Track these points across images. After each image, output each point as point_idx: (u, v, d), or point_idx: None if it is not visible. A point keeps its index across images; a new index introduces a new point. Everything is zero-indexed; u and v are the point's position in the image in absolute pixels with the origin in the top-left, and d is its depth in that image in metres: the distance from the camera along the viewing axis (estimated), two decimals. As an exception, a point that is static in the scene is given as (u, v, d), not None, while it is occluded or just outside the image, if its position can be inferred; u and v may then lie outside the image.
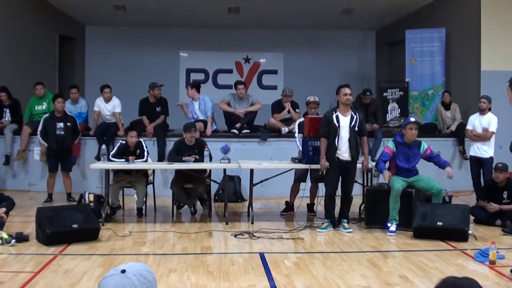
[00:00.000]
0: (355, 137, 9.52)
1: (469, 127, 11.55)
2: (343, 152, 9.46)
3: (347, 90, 9.58)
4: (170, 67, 19.12)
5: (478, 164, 11.30)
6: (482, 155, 11.19)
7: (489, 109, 11.34)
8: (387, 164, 9.73)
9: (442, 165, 9.88)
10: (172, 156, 10.63)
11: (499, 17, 14.00)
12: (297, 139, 10.75)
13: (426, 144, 9.95)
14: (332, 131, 9.45)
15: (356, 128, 9.50)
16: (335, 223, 9.69)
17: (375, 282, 6.77)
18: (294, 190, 10.94)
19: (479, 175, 11.30)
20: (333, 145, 9.43)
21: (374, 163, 10.49)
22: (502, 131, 11.33)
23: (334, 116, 9.50)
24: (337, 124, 9.44)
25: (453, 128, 13.68)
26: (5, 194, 9.30)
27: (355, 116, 9.54)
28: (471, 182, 11.66)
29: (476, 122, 11.40)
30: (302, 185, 10.84)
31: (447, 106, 13.97)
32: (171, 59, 19.35)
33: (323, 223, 9.68)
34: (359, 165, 9.83)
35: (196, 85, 13.37)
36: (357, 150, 9.57)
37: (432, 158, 9.92)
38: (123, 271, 2.69)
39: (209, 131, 12.72)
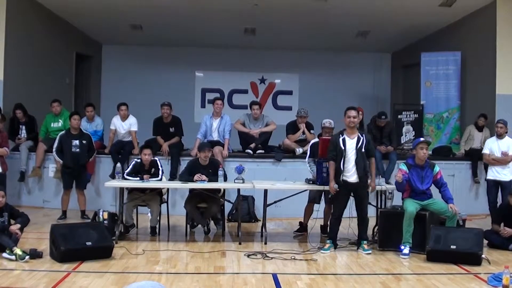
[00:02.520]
0: (363, 158, 9.51)
1: (486, 151, 11.43)
2: (350, 174, 9.47)
3: (351, 113, 9.61)
4: (185, 86, 19.24)
5: (497, 188, 11.22)
6: (502, 178, 11.11)
7: (506, 132, 11.28)
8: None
9: (445, 198, 9.69)
10: (184, 176, 10.65)
11: (515, 41, 14.02)
12: (307, 162, 10.77)
13: (439, 167, 9.89)
14: (339, 154, 9.48)
15: (363, 150, 9.51)
16: (337, 244, 9.71)
17: (388, 304, 6.75)
18: (308, 211, 10.93)
19: (497, 199, 11.21)
20: (339, 168, 9.46)
21: (388, 186, 10.48)
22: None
23: (340, 139, 9.54)
24: (343, 147, 9.47)
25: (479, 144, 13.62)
26: (20, 210, 9.33)
27: (361, 138, 9.54)
28: (485, 206, 11.61)
29: (493, 146, 11.31)
30: (316, 206, 10.84)
31: (480, 128, 13.86)
32: (186, 78, 19.46)
33: (325, 244, 9.69)
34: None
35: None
36: (365, 171, 9.56)
37: (440, 185, 9.78)
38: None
39: (225, 152, 12.69)
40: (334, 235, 9.72)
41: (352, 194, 9.64)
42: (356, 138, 9.54)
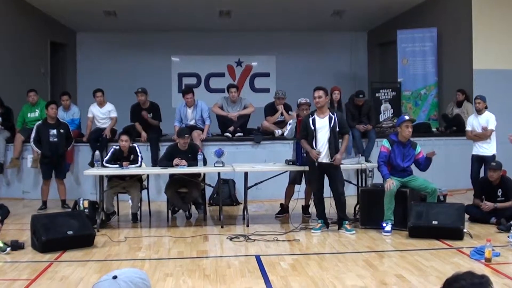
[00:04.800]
0: (335, 138, 9.49)
1: (468, 128, 11.57)
2: (322, 154, 9.44)
3: (316, 93, 9.53)
4: (162, 72, 19.13)
5: (480, 163, 11.34)
6: (484, 153, 11.23)
7: (486, 108, 11.35)
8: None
9: (423, 163, 9.77)
10: (163, 162, 10.59)
11: (490, 15, 14.05)
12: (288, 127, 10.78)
13: (420, 147, 9.92)
14: (310, 135, 9.46)
15: (337, 129, 9.50)
16: (328, 223, 9.72)
17: (371, 282, 6.76)
18: (289, 192, 10.92)
19: (479, 174, 11.31)
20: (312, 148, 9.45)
21: (368, 164, 10.50)
22: (497, 128, 11.35)
23: (310, 119, 9.51)
24: (313, 127, 9.44)
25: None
26: (-1, 202, 9.28)
27: (333, 117, 9.51)
28: (465, 181, 11.69)
29: (474, 123, 11.44)
30: (296, 187, 10.83)
31: (459, 104, 14.01)
32: (163, 64, 19.35)
33: (317, 224, 9.69)
34: (345, 166, 9.83)
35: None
36: (337, 151, 9.51)
37: (420, 162, 9.84)
38: (115, 277, 2.69)
39: (203, 136, 12.62)
40: (322, 214, 9.72)
41: (325, 174, 9.63)
42: (327, 118, 9.51)
